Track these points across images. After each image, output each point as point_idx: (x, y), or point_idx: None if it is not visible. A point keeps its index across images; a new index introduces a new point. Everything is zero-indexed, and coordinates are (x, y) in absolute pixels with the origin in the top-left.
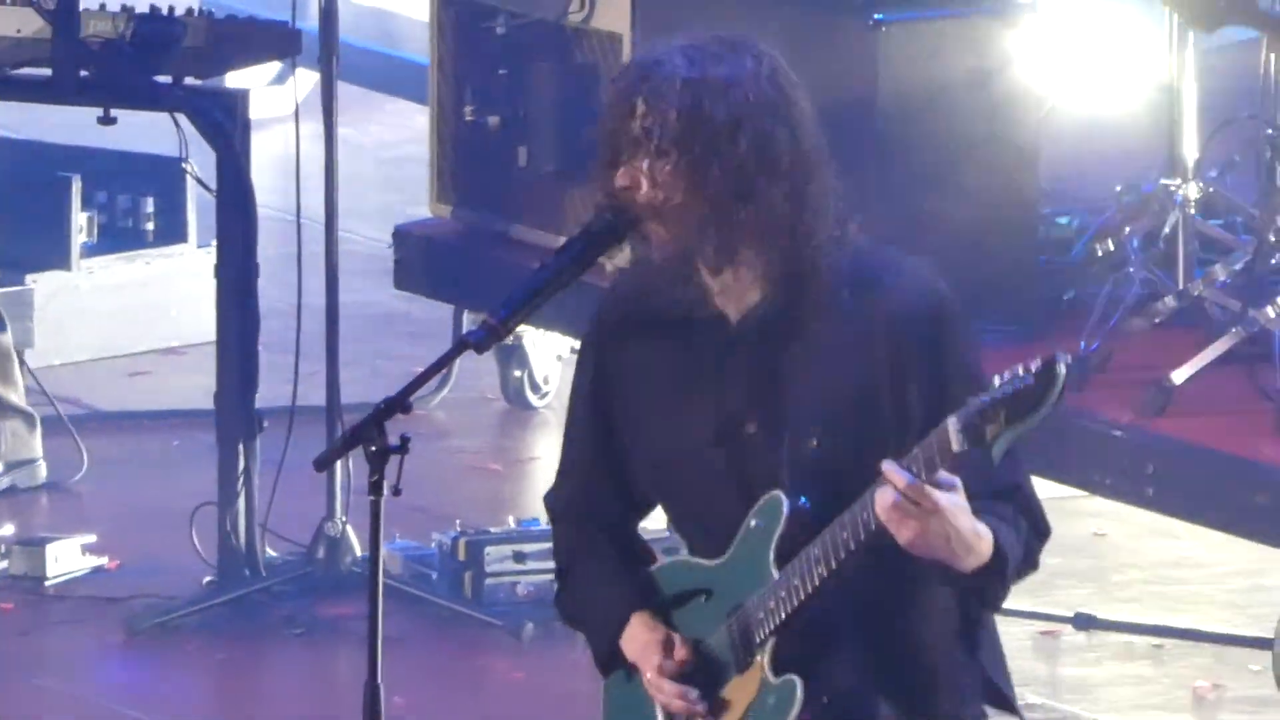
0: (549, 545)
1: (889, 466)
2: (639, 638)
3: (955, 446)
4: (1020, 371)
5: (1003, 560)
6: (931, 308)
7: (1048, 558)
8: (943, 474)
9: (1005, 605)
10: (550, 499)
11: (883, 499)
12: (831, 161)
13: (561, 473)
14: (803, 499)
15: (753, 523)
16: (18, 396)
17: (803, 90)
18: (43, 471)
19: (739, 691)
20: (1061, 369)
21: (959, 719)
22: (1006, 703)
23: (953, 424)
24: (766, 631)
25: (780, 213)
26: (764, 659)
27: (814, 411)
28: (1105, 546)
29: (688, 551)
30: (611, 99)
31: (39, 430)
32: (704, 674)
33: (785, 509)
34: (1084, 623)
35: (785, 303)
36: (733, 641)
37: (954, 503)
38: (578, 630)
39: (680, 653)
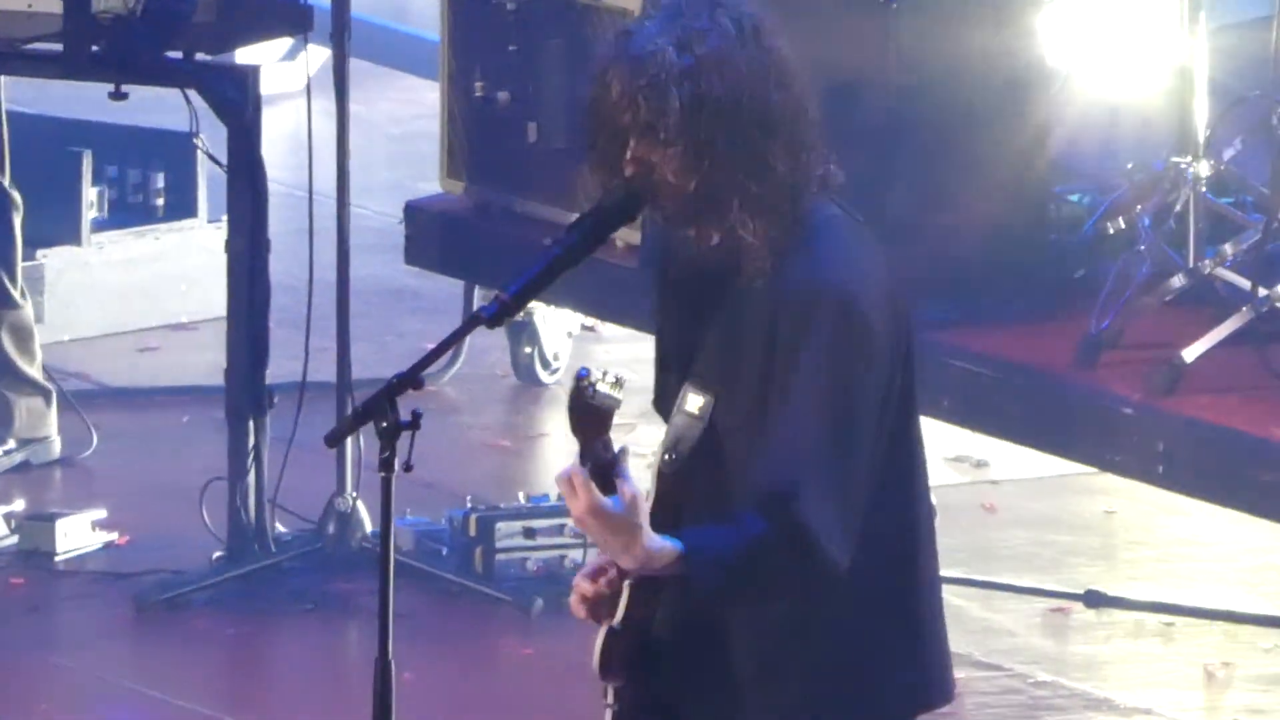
0: (559, 521)
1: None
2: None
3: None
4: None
5: (691, 584)
6: (801, 302)
7: (1059, 535)
8: (620, 470)
9: (1016, 581)
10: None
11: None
12: (813, 108)
13: None
14: (668, 455)
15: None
16: (36, 372)
17: (782, 35)
18: (56, 447)
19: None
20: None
21: None
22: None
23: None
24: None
25: (784, 177)
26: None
27: (707, 376)
28: (1115, 524)
29: None
30: (606, 96)
31: (55, 406)
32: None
33: (657, 464)
34: (1094, 600)
35: (729, 257)
36: None
37: (606, 510)
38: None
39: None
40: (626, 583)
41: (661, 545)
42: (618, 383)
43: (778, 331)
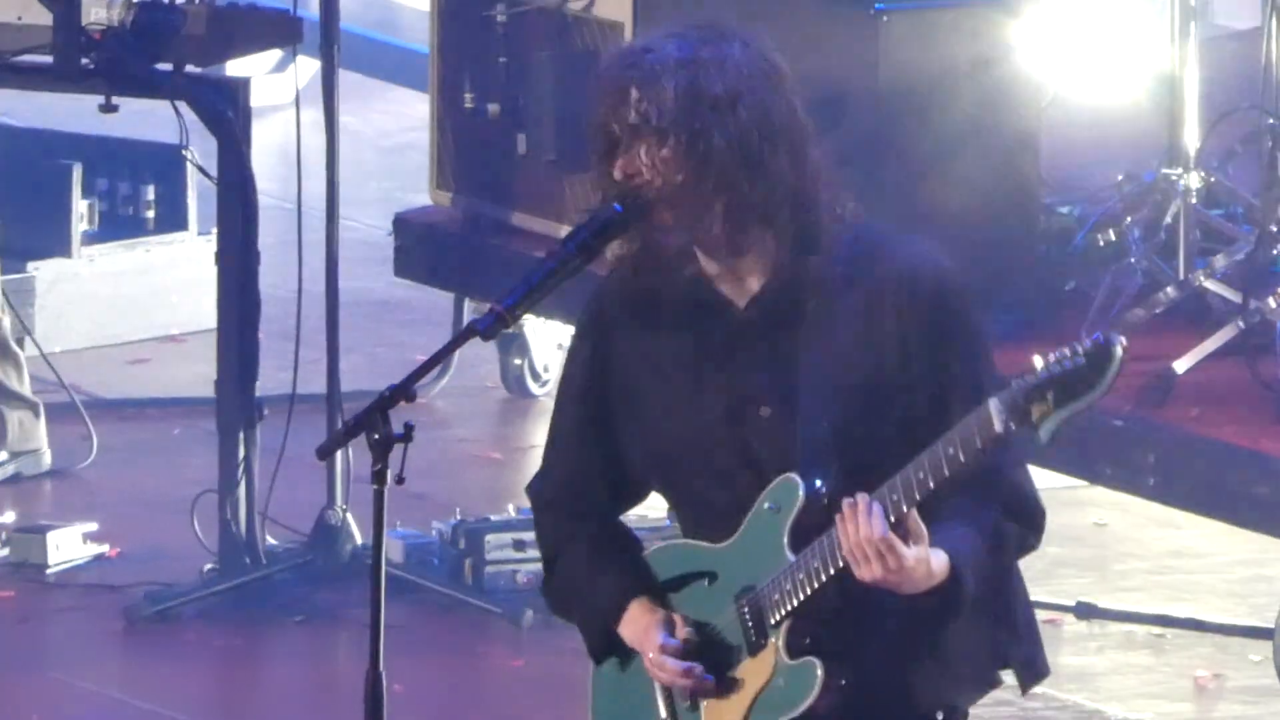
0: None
1: (864, 506)
2: (639, 620)
3: (998, 428)
4: (1069, 352)
5: (957, 589)
6: (933, 281)
7: (1049, 547)
8: (913, 518)
9: None
10: (536, 487)
11: (847, 536)
12: (823, 141)
13: (547, 462)
14: (818, 482)
15: (765, 505)
16: (22, 385)
17: (793, 80)
18: (47, 459)
19: (750, 673)
20: (1118, 350)
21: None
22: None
23: (994, 405)
24: (782, 613)
25: (786, 181)
26: (779, 641)
27: (825, 392)
28: (1106, 536)
29: (685, 536)
30: (602, 91)
31: (43, 419)
32: (710, 654)
33: (801, 492)
34: (1085, 612)
35: (790, 282)
36: (744, 623)
37: (916, 558)
38: (568, 620)
39: (683, 631)
40: (820, 672)
41: (940, 562)
42: None
43: (909, 329)
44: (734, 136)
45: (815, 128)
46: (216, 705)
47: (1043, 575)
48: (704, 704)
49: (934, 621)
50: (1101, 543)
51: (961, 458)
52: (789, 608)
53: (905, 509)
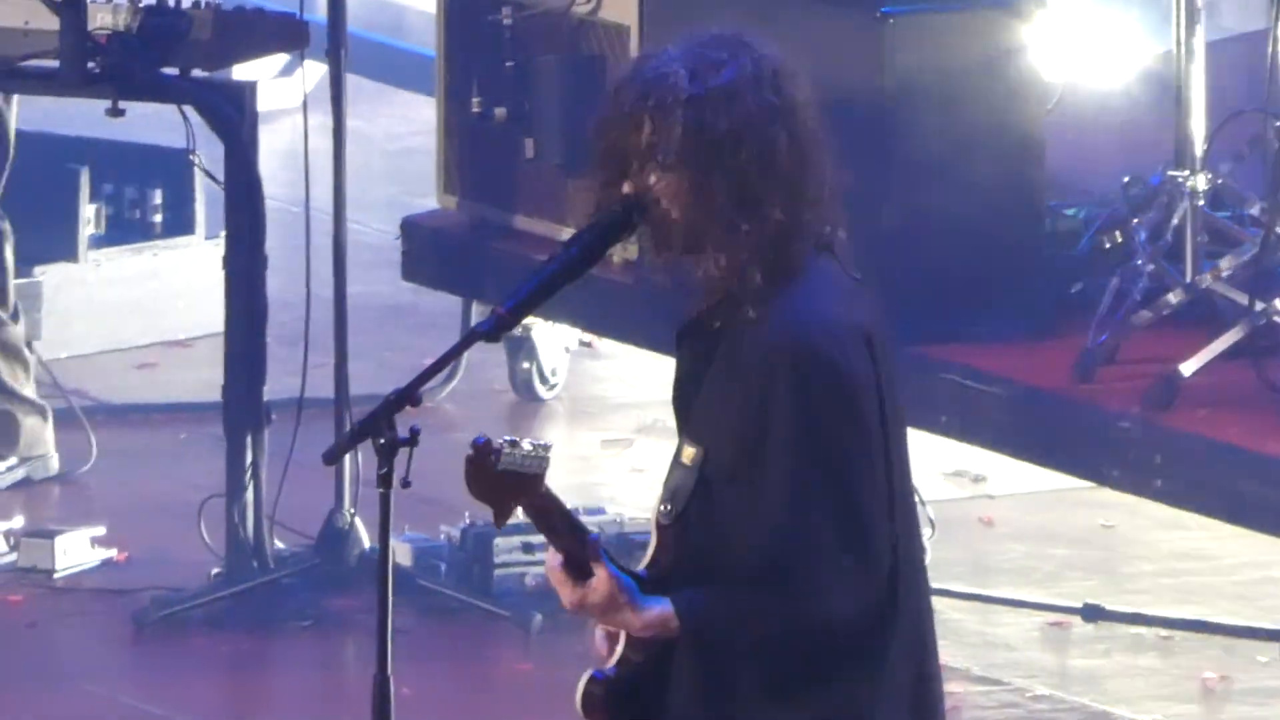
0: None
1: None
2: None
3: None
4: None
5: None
6: (769, 352)
7: (1056, 549)
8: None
9: (1014, 595)
10: None
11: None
12: (830, 156)
13: None
14: (665, 506)
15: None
16: (30, 389)
17: (804, 85)
18: (55, 464)
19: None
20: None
21: None
22: None
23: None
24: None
25: (778, 222)
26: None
27: (700, 429)
28: (1114, 538)
29: None
30: (616, 113)
31: (51, 423)
32: None
33: (654, 515)
34: (1092, 614)
35: (727, 308)
36: None
37: (580, 593)
38: None
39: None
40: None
41: (660, 611)
42: (526, 450)
43: (749, 386)
44: (733, 176)
45: (825, 144)
46: (224, 710)
47: (1050, 578)
48: None
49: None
50: (1109, 545)
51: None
52: None
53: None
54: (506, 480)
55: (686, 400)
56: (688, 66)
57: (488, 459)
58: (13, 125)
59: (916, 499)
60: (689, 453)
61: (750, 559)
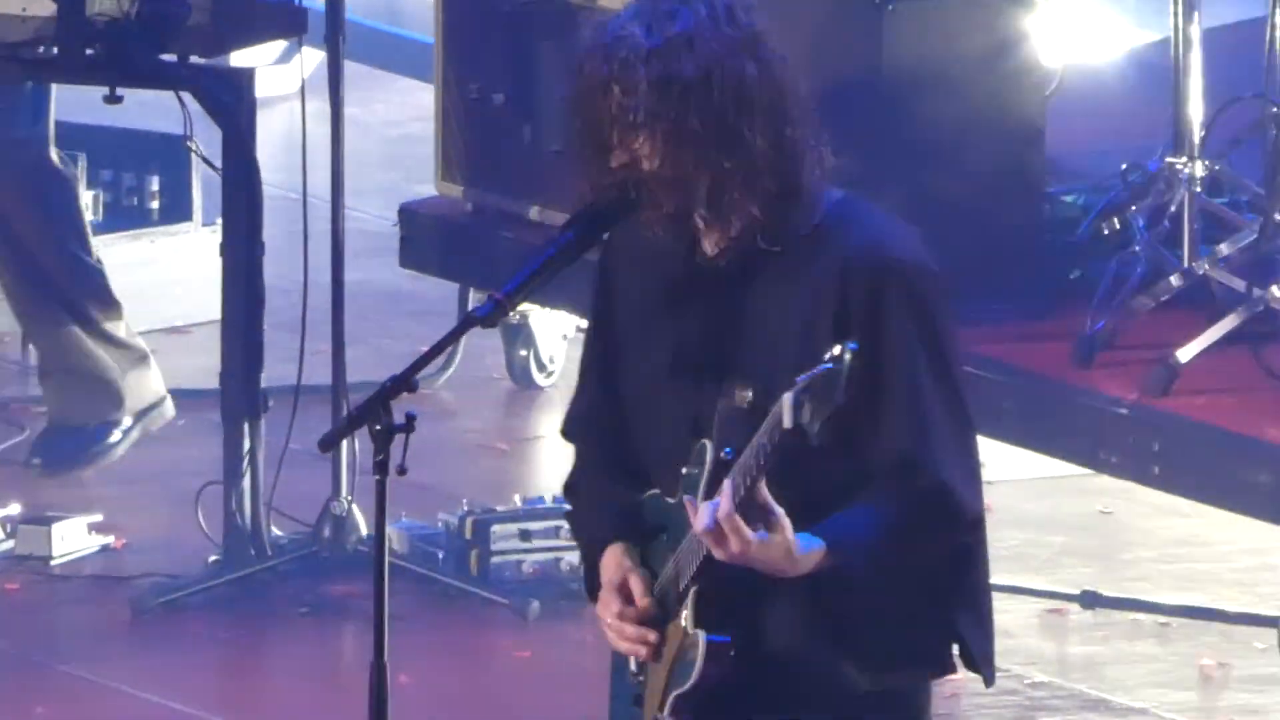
0: (555, 524)
1: (693, 504)
2: (608, 569)
3: (787, 422)
4: (828, 355)
5: (836, 569)
6: (877, 271)
7: (1053, 536)
8: (762, 498)
9: (1012, 582)
10: (565, 417)
11: (699, 520)
12: (802, 90)
13: (575, 391)
14: (727, 450)
15: (684, 470)
16: (127, 334)
17: (762, 21)
18: (169, 408)
19: (671, 639)
20: (847, 355)
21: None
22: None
23: (787, 399)
24: (686, 581)
25: (765, 150)
26: (686, 610)
27: (755, 360)
28: (1112, 525)
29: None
30: (582, 86)
31: (153, 365)
32: (659, 617)
33: (708, 457)
34: (1090, 601)
35: (755, 241)
36: (668, 587)
37: (761, 541)
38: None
39: (643, 601)
40: (702, 642)
41: (809, 549)
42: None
43: (850, 309)
44: (709, 118)
45: (803, 85)
46: (222, 696)
47: (1048, 565)
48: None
49: (831, 599)
50: (1107, 531)
51: (769, 447)
52: (690, 575)
53: (744, 492)
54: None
55: (720, 346)
56: (643, 23)
57: None
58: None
59: None
60: (740, 395)
61: (887, 476)
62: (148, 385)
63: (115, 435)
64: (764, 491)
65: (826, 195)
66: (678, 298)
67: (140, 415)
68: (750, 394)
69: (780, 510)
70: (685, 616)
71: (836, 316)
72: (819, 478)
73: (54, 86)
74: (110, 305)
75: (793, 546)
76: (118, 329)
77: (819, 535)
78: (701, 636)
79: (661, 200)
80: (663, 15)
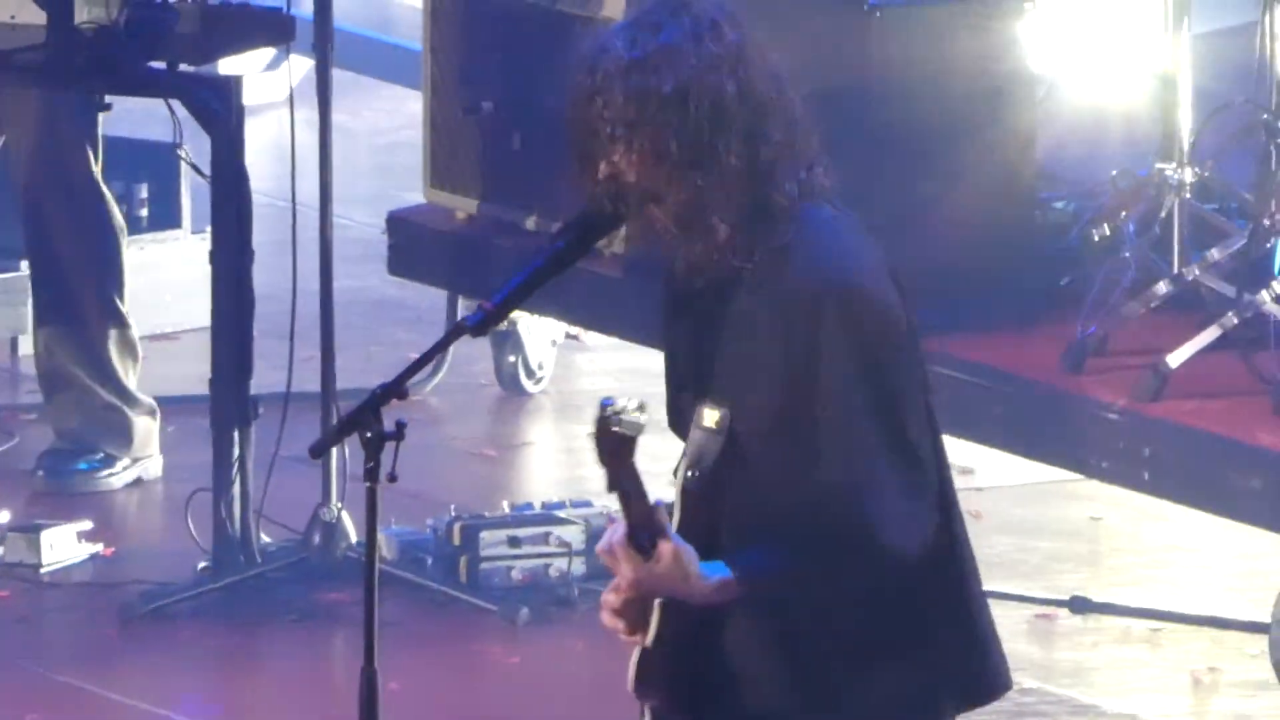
0: (544, 530)
1: (602, 547)
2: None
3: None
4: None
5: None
6: (817, 296)
7: (1043, 542)
8: (653, 523)
9: (1001, 588)
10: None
11: (599, 544)
12: (790, 108)
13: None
14: (691, 472)
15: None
16: (138, 388)
17: (750, 37)
18: (159, 464)
19: None
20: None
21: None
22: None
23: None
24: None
25: (737, 169)
26: (652, 623)
27: (725, 380)
28: (1101, 530)
29: None
30: (570, 97)
31: (159, 422)
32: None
33: (680, 482)
34: (1080, 606)
35: (730, 258)
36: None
37: (648, 568)
38: None
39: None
40: (656, 601)
41: (720, 580)
42: (641, 408)
43: (792, 334)
44: (684, 134)
45: (791, 106)
46: (212, 704)
47: (1037, 570)
48: None
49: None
50: (1096, 537)
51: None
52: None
53: (635, 517)
54: (617, 442)
55: (698, 365)
56: (626, 35)
57: (609, 419)
58: None
59: None
60: (712, 415)
61: (806, 507)
62: (151, 437)
63: (117, 469)
64: (655, 516)
65: (802, 213)
66: (674, 312)
67: (137, 461)
68: (719, 414)
69: (668, 537)
70: (650, 630)
71: (784, 341)
72: (759, 508)
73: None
74: (131, 358)
75: (687, 573)
76: (131, 380)
77: (732, 564)
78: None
79: (640, 213)
80: (648, 28)
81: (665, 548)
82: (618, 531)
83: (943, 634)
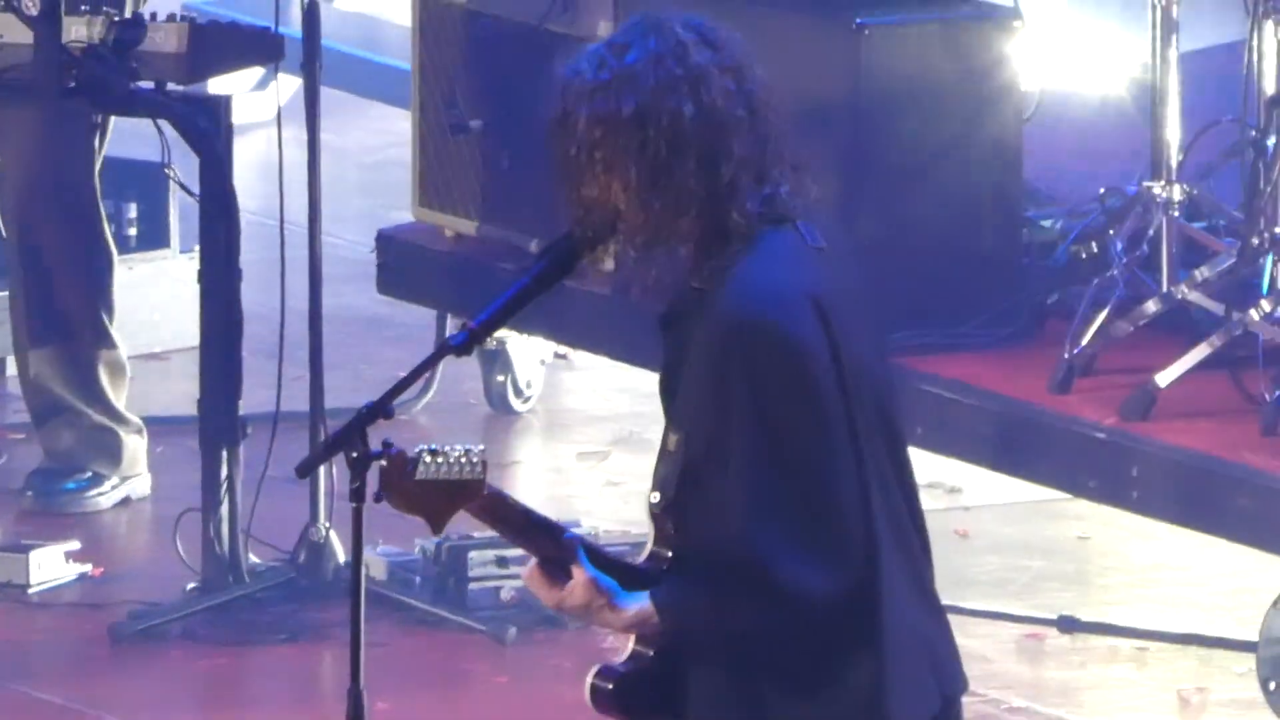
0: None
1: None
2: None
3: None
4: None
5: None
6: (729, 332)
7: (1031, 560)
8: (560, 553)
9: (989, 607)
10: None
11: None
12: (761, 127)
13: None
14: (655, 495)
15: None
16: (126, 407)
17: (727, 56)
18: (148, 483)
19: None
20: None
21: None
22: None
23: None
24: None
25: (694, 193)
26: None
27: (680, 414)
28: (1089, 549)
29: None
30: (551, 119)
31: (146, 441)
32: None
33: (647, 504)
34: (1068, 625)
35: (689, 282)
36: None
37: (563, 595)
38: None
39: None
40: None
41: (638, 609)
42: (453, 457)
43: (714, 365)
44: (645, 157)
45: (754, 108)
46: None
47: (1026, 590)
48: None
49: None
50: (1084, 556)
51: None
52: None
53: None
54: (432, 490)
55: (671, 388)
56: (596, 58)
57: (403, 470)
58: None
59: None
60: (673, 439)
61: (724, 545)
62: (139, 456)
63: (105, 488)
64: (563, 548)
65: (757, 237)
66: (661, 331)
67: (126, 480)
68: (677, 438)
69: (581, 567)
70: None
71: (711, 369)
72: (695, 540)
73: (109, 135)
74: (120, 378)
75: (601, 604)
76: (119, 400)
77: (654, 594)
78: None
79: (610, 234)
80: (616, 49)
81: (578, 578)
82: (532, 561)
83: (851, 675)
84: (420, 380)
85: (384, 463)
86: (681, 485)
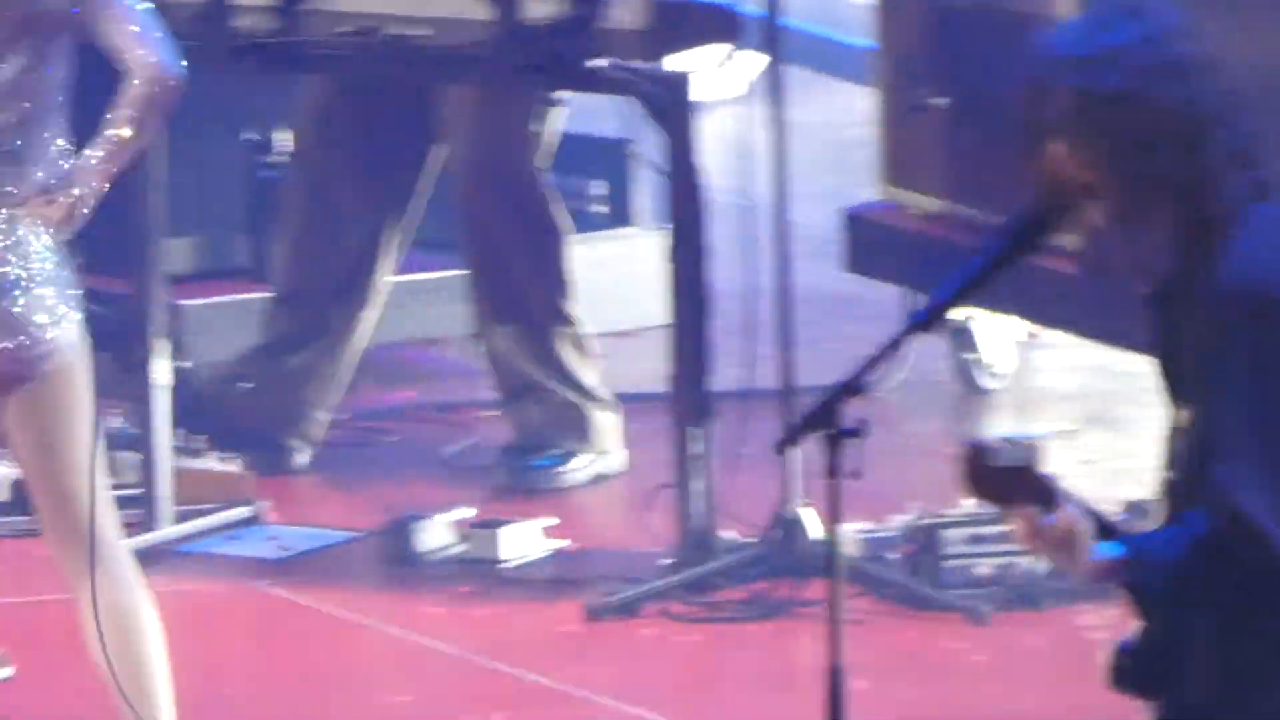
0: (1006, 528)
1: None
2: None
3: None
4: None
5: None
6: (1220, 304)
7: None
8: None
9: None
10: None
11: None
12: (1240, 118)
13: None
14: (1169, 472)
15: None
16: (598, 384)
17: (1202, 50)
18: (620, 461)
19: None
20: None
21: None
22: None
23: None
24: None
25: (1174, 179)
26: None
27: (1189, 392)
28: None
29: None
30: (1025, 90)
31: (620, 418)
32: None
33: (1161, 482)
34: None
35: (1170, 263)
36: None
37: (1044, 527)
38: None
39: None
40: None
41: (1105, 554)
42: (1021, 442)
43: (1217, 340)
44: (1123, 136)
45: (1233, 102)
46: (674, 698)
47: None
48: None
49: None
50: None
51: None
52: None
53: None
54: (1004, 477)
55: (1171, 366)
56: (1077, 32)
57: (981, 458)
58: None
59: None
60: (1184, 416)
61: (1215, 513)
62: (612, 432)
63: (577, 464)
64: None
65: (1248, 213)
66: (1152, 311)
67: (599, 456)
68: (1186, 414)
69: (1077, 512)
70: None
71: (1212, 343)
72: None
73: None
74: (586, 355)
75: (1074, 544)
76: (588, 377)
77: (1130, 543)
78: None
79: (1080, 211)
80: (1100, 26)
81: (1068, 511)
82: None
83: None
84: (885, 359)
85: (966, 450)
86: (1191, 460)
